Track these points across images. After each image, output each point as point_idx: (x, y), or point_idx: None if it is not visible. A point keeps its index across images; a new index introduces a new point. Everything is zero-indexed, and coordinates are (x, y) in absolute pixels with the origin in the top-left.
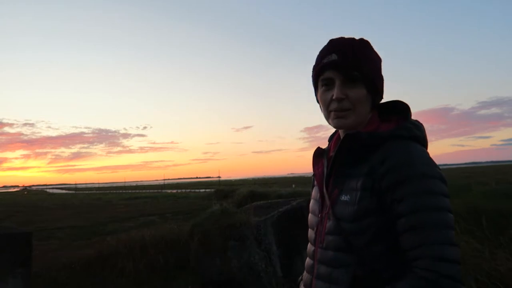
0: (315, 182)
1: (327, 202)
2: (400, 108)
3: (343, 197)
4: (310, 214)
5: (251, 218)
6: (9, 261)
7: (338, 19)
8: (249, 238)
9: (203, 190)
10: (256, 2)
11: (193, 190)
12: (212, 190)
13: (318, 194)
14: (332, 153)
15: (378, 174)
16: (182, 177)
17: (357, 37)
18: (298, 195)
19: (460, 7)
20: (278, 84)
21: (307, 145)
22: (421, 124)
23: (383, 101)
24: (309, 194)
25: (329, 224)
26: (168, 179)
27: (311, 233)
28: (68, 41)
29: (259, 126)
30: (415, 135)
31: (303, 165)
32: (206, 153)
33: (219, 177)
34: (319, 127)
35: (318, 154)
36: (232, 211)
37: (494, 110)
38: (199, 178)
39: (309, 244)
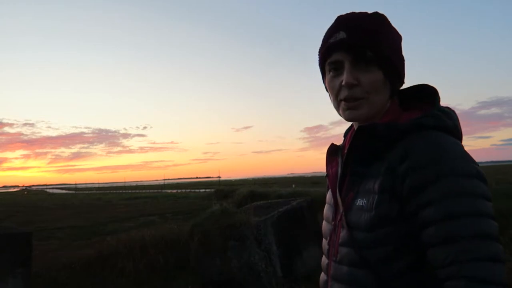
0: (329, 184)
1: (340, 207)
2: (426, 94)
3: (358, 202)
4: (324, 221)
5: (251, 218)
6: (9, 261)
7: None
8: (249, 238)
9: (203, 190)
10: (256, 2)
11: (193, 190)
12: (212, 190)
13: (332, 199)
14: (346, 150)
15: (399, 172)
16: (182, 177)
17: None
18: (298, 195)
19: (460, 7)
20: (278, 84)
21: (307, 145)
22: (453, 111)
23: (404, 86)
24: (309, 194)
25: (343, 233)
26: (168, 179)
27: (324, 243)
28: (68, 41)
29: (259, 126)
30: (445, 124)
31: (303, 165)
32: (206, 153)
33: (219, 177)
34: (319, 127)
35: (332, 151)
36: (232, 211)
37: (494, 110)
38: (199, 178)
39: (323, 257)
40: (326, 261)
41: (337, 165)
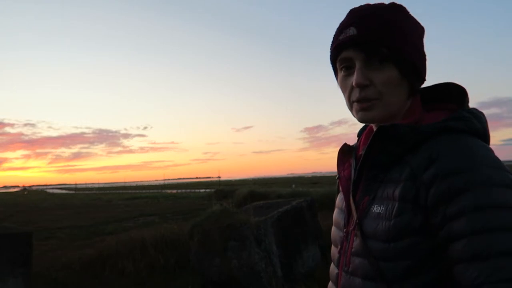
0: (340, 188)
1: (354, 214)
2: (452, 93)
3: (375, 208)
4: (333, 227)
5: (251, 218)
6: (10, 261)
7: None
8: (249, 238)
9: (203, 190)
10: (256, 2)
11: (193, 190)
12: (212, 190)
13: (344, 203)
14: (361, 151)
15: (424, 180)
16: (182, 177)
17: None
18: (298, 195)
19: (460, 7)
20: (278, 84)
21: (307, 145)
22: (482, 113)
23: (426, 84)
24: (309, 194)
25: (356, 243)
26: (168, 179)
27: (334, 251)
28: (68, 40)
29: (259, 126)
30: (475, 128)
31: (303, 165)
32: (206, 153)
33: (219, 177)
34: (319, 127)
35: (345, 152)
36: (232, 211)
37: (494, 110)
38: (199, 178)
39: (331, 265)
40: (336, 270)
41: (350, 167)
